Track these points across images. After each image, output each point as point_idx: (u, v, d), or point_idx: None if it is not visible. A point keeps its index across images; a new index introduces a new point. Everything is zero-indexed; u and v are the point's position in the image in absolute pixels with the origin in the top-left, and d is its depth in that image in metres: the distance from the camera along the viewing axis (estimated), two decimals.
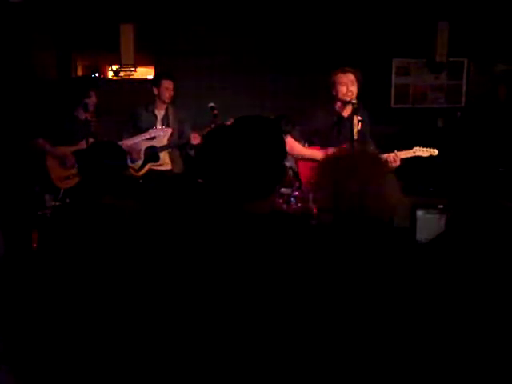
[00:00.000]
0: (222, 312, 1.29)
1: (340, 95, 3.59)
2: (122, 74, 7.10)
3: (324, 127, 3.67)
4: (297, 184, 3.85)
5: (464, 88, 6.65)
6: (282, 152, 1.46)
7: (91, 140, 4.07)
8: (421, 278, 1.47)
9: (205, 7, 6.17)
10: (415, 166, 3.96)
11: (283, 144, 1.47)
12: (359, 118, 3.50)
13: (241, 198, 1.41)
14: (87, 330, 2.01)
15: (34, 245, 3.09)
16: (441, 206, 4.76)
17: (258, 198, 1.41)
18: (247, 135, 1.41)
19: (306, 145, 3.78)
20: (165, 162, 4.71)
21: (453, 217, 1.56)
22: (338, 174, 1.69)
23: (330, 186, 1.65)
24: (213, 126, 4.45)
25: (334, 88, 3.62)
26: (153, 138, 4.56)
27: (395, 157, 3.58)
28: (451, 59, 6.32)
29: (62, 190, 4.22)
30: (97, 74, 7.24)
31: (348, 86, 3.56)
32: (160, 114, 4.75)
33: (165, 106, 4.75)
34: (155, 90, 4.70)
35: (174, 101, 4.85)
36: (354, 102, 3.52)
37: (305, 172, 3.73)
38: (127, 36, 5.94)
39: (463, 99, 6.67)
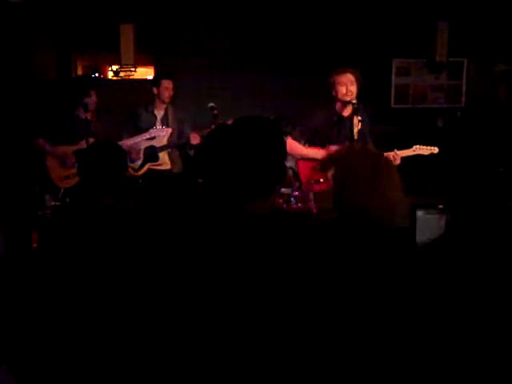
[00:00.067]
0: (223, 312, 1.29)
1: (340, 96, 3.58)
2: (122, 74, 7.10)
3: (324, 127, 3.67)
4: (297, 184, 3.85)
5: (464, 88, 6.65)
6: (282, 152, 1.46)
7: (91, 140, 4.08)
8: (421, 279, 1.47)
9: (205, 7, 6.17)
10: (415, 166, 3.95)
11: (283, 144, 1.47)
12: (359, 117, 3.50)
13: (241, 198, 1.41)
14: (87, 330, 2.01)
15: (34, 245, 3.09)
16: (441, 206, 4.76)
17: (258, 198, 1.41)
18: (247, 136, 1.41)
19: (307, 145, 3.77)
20: (164, 161, 4.72)
21: (453, 217, 1.56)
22: (338, 173, 1.69)
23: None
24: (213, 126, 4.45)
25: (333, 89, 3.61)
26: (152, 138, 4.56)
27: (395, 155, 3.57)
28: (451, 59, 6.32)
29: (61, 190, 4.22)
30: (97, 74, 7.24)
31: (347, 87, 3.55)
32: (160, 113, 4.76)
33: (164, 105, 4.75)
34: (155, 90, 4.71)
35: (173, 101, 4.85)
36: (353, 101, 3.51)
37: (305, 172, 3.73)
38: (127, 36, 5.94)
39: (463, 99, 6.67)
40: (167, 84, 4.67)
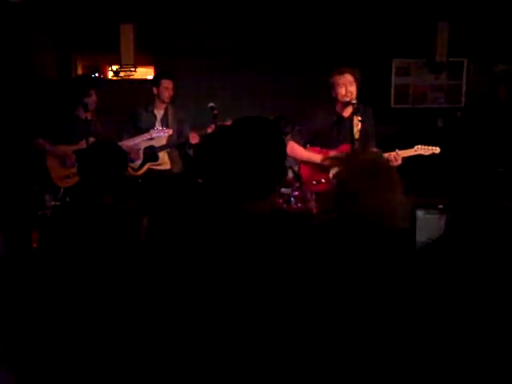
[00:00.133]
0: (222, 312, 1.29)
1: (339, 97, 3.58)
2: (122, 74, 7.10)
3: (324, 127, 3.66)
4: (297, 184, 3.85)
5: (464, 88, 6.65)
6: (282, 153, 1.47)
7: (91, 139, 4.08)
8: (421, 279, 1.47)
9: (205, 7, 6.17)
10: (415, 166, 3.95)
11: (283, 144, 1.48)
12: (359, 117, 3.49)
13: (241, 198, 1.41)
14: (87, 330, 2.01)
15: (34, 245, 3.09)
16: (441, 206, 4.76)
17: (258, 198, 1.42)
18: (247, 136, 1.42)
19: (308, 145, 3.76)
20: (164, 161, 4.72)
21: (453, 217, 1.56)
22: (339, 174, 1.70)
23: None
24: (212, 125, 4.46)
25: (333, 90, 3.60)
26: (152, 138, 4.57)
27: (396, 156, 3.55)
28: (451, 59, 6.32)
29: (61, 190, 4.22)
30: (97, 74, 7.24)
31: (347, 87, 3.54)
32: (159, 113, 4.76)
33: (164, 105, 4.76)
34: (155, 90, 4.71)
35: (173, 101, 4.85)
36: (353, 102, 3.51)
37: (306, 172, 3.73)
38: (127, 36, 5.94)
39: (463, 99, 6.67)
40: (167, 84, 4.67)
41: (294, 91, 6.24)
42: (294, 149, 3.70)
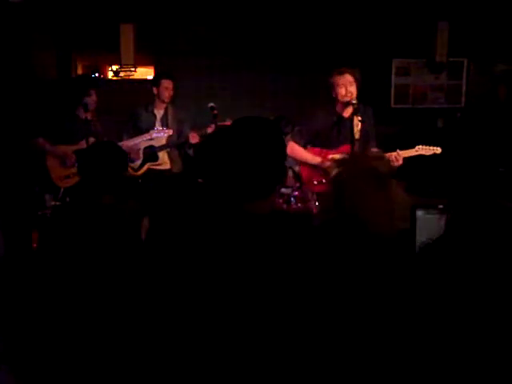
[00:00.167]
0: (222, 312, 1.29)
1: (340, 97, 3.57)
2: (122, 74, 7.10)
3: (324, 128, 3.66)
4: (297, 184, 3.85)
5: (464, 88, 6.65)
6: (282, 153, 1.47)
7: (91, 139, 4.09)
8: (421, 280, 1.47)
9: (205, 7, 6.17)
10: (415, 166, 3.94)
11: (283, 145, 1.48)
12: (359, 118, 3.49)
13: (241, 198, 1.41)
14: (87, 330, 2.01)
15: (34, 245, 3.09)
16: (441, 206, 4.75)
17: (258, 198, 1.42)
18: (247, 136, 1.42)
19: (309, 146, 3.76)
20: (164, 161, 4.72)
21: (453, 217, 1.56)
22: (339, 176, 1.71)
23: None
24: (212, 125, 4.46)
25: (333, 90, 3.60)
26: (152, 138, 4.57)
27: (397, 156, 3.54)
28: (451, 59, 6.32)
29: (61, 190, 4.22)
30: (97, 74, 7.24)
31: (347, 87, 3.54)
32: (159, 113, 4.76)
33: (164, 105, 4.76)
34: (155, 90, 4.71)
35: (173, 101, 4.85)
36: (354, 102, 3.50)
37: (307, 172, 3.72)
38: (127, 36, 5.94)
39: (463, 99, 6.67)
40: (167, 84, 4.68)
41: (293, 91, 6.24)
42: (294, 149, 3.69)
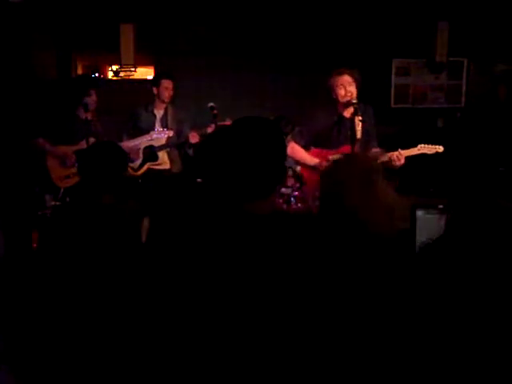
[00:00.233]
0: (223, 312, 1.29)
1: (339, 97, 3.56)
2: (122, 74, 7.10)
3: (324, 128, 3.66)
4: (297, 184, 3.85)
5: (464, 88, 6.65)
6: (282, 153, 1.47)
7: (92, 140, 4.09)
8: (420, 280, 1.47)
9: (205, 7, 6.17)
10: (416, 166, 3.94)
11: (283, 145, 1.48)
12: (360, 118, 3.49)
13: (241, 198, 1.41)
14: (87, 330, 2.01)
15: (34, 245, 3.09)
16: (441, 206, 4.75)
17: (258, 198, 1.42)
18: (247, 136, 1.42)
19: (311, 146, 3.75)
20: (163, 161, 4.72)
21: (452, 217, 1.56)
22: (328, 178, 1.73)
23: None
24: (212, 125, 4.46)
25: (333, 91, 3.59)
26: (152, 139, 4.58)
27: (399, 155, 3.52)
28: (451, 59, 6.32)
29: (61, 190, 4.22)
30: (97, 74, 7.24)
31: (346, 88, 3.53)
32: (159, 113, 4.76)
33: (164, 105, 4.76)
34: (155, 90, 4.71)
35: (173, 101, 4.85)
36: (354, 101, 3.50)
37: (308, 173, 3.72)
38: (127, 36, 5.94)
39: (463, 99, 6.67)
40: (167, 84, 4.68)
41: (294, 91, 6.24)
42: (295, 149, 3.69)
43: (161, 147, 4.66)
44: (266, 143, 1.42)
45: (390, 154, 3.55)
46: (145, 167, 4.67)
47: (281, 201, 3.66)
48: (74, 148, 4.24)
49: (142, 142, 4.55)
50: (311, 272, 1.34)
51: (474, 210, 1.53)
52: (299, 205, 3.66)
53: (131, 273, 1.90)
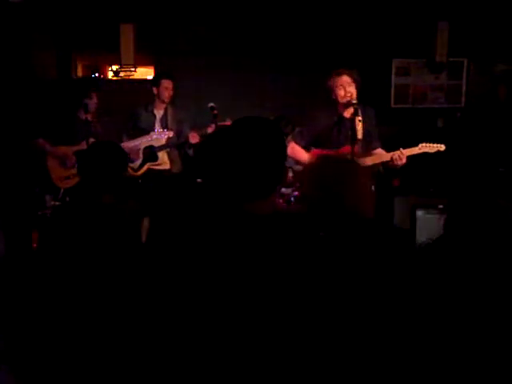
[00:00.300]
0: (223, 313, 1.29)
1: (339, 98, 3.56)
2: (122, 74, 7.10)
3: (325, 129, 3.65)
4: (297, 184, 3.85)
5: (464, 88, 6.64)
6: (282, 153, 1.47)
7: (92, 140, 4.09)
8: (420, 280, 1.47)
9: (205, 7, 6.17)
10: (415, 166, 3.94)
11: (283, 145, 1.48)
12: (359, 118, 3.49)
13: (241, 199, 1.41)
14: (87, 330, 2.01)
15: (34, 245, 3.10)
16: (441, 206, 4.76)
17: (259, 199, 1.42)
18: (247, 136, 1.42)
19: (312, 147, 3.75)
20: (163, 161, 4.72)
21: (450, 217, 1.56)
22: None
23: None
24: (212, 125, 4.46)
25: (332, 92, 3.59)
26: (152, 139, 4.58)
27: (400, 154, 3.52)
28: (451, 59, 6.32)
29: (62, 190, 4.23)
30: (97, 74, 7.24)
31: (345, 88, 3.53)
32: (159, 113, 4.76)
33: (164, 105, 4.76)
34: (155, 90, 4.71)
35: (173, 101, 4.85)
36: (354, 102, 3.50)
37: None
38: (127, 36, 5.94)
39: (463, 99, 6.66)
40: (167, 84, 4.68)
41: (294, 91, 6.23)
42: (295, 150, 3.69)
43: (161, 147, 4.66)
44: (266, 143, 1.42)
45: (391, 154, 3.55)
46: (145, 167, 4.67)
47: (281, 201, 3.66)
48: (74, 149, 4.24)
49: (142, 142, 4.55)
50: (311, 272, 1.34)
51: (473, 210, 1.53)
52: (299, 205, 3.66)
53: (131, 273, 1.90)
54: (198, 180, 4.45)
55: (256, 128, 1.45)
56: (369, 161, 3.63)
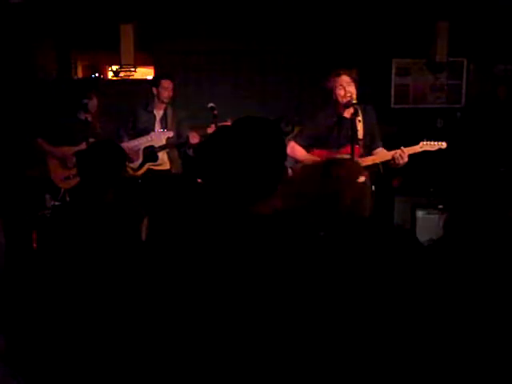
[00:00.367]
0: (224, 313, 1.29)
1: (339, 98, 3.56)
2: (121, 74, 7.09)
3: (325, 129, 3.65)
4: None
5: (464, 88, 6.64)
6: (282, 153, 1.47)
7: (92, 140, 4.09)
8: (420, 280, 1.47)
9: (205, 7, 6.17)
10: (416, 166, 3.93)
11: (283, 145, 1.48)
12: (359, 118, 3.49)
13: (241, 199, 1.41)
14: (87, 330, 2.01)
15: (34, 245, 3.10)
16: (441, 206, 4.76)
17: (259, 199, 1.42)
18: (247, 136, 1.42)
19: (313, 148, 3.75)
20: (163, 161, 4.72)
21: (451, 217, 1.56)
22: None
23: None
24: (212, 125, 4.46)
25: (332, 92, 3.59)
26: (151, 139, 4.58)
27: (402, 153, 3.51)
28: (451, 59, 6.31)
29: (62, 190, 4.23)
30: (97, 75, 7.23)
31: (345, 88, 3.53)
32: (159, 113, 4.76)
33: (164, 105, 4.76)
34: (154, 90, 4.71)
35: (173, 101, 4.85)
36: (354, 102, 3.50)
37: None
38: (127, 36, 5.94)
39: (463, 99, 6.66)
40: (167, 84, 4.67)
41: (294, 91, 6.24)
42: (295, 150, 3.70)
43: (161, 147, 4.66)
44: (266, 143, 1.42)
45: (392, 153, 3.55)
46: (145, 167, 4.67)
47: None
48: (75, 149, 4.23)
49: (142, 142, 4.55)
50: (313, 271, 1.34)
51: (473, 210, 1.53)
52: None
53: (131, 273, 1.90)
54: (198, 180, 4.44)
55: (256, 128, 1.45)
56: (369, 160, 3.63)
